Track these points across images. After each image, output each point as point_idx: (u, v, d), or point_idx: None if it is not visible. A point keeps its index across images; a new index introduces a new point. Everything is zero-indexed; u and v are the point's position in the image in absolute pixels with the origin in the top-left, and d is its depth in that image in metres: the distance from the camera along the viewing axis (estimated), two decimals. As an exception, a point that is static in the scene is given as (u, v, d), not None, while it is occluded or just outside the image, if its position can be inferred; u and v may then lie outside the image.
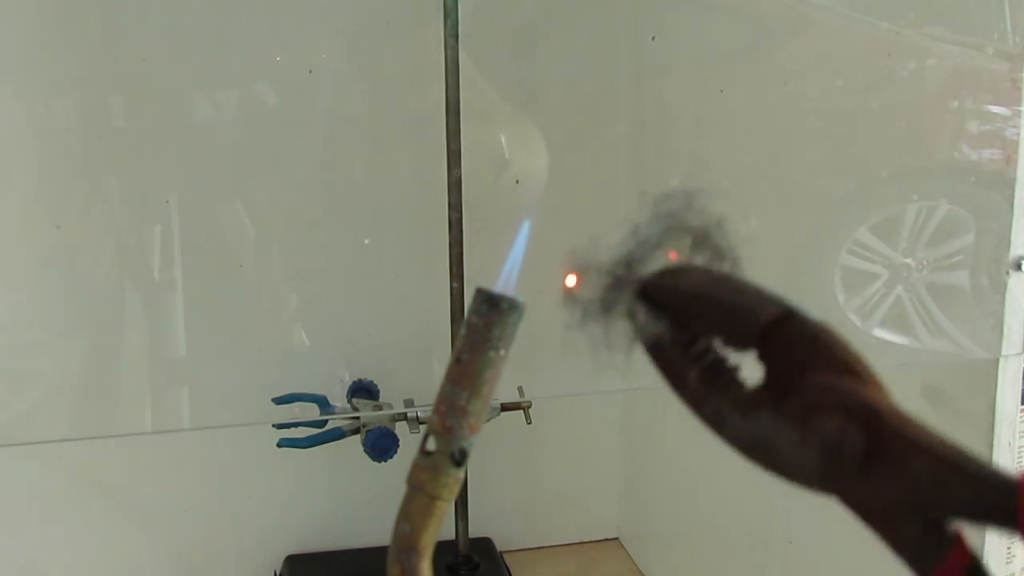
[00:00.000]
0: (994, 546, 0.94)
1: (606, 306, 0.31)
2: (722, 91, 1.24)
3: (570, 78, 1.34)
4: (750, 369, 0.28)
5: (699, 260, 0.30)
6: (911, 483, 0.22)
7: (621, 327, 0.31)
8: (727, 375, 0.27)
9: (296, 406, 1.29)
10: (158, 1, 1.22)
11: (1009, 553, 0.95)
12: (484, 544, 1.53)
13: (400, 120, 1.36)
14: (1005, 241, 1.00)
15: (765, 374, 0.26)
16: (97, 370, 1.28)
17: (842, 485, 0.24)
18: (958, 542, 0.23)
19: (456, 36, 1.19)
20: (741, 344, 0.27)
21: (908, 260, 1.14)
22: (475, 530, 1.46)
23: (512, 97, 1.35)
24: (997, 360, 1.01)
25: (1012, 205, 0.98)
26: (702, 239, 0.30)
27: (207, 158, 1.28)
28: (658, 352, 0.29)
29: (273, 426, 1.30)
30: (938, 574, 0.23)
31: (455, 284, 1.26)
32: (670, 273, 0.30)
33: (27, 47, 1.21)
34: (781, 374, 0.26)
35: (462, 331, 0.39)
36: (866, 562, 1.10)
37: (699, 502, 1.47)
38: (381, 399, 1.34)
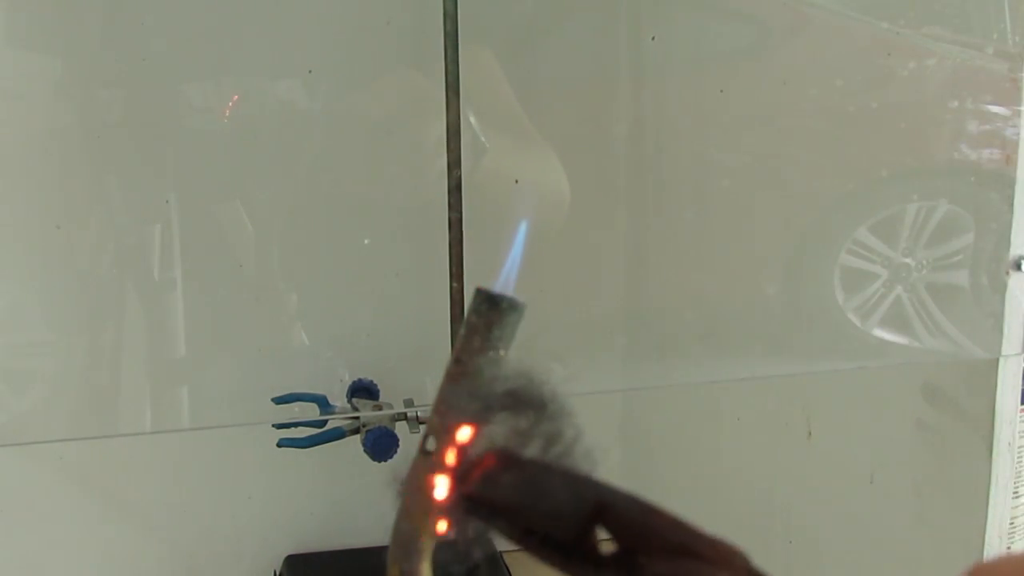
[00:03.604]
0: (994, 545, 0.94)
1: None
2: (722, 91, 1.24)
3: (570, 78, 1.34)
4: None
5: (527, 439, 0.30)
6: None
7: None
8: (581, 553, 0.27)
9: (296, 406, 1.29)
10: (157, 1, 1.22)
11: (1009, 553, 0.95)
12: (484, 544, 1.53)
13: (400, 120, 1.36)
14: (1005, 241, 1.00)
15: (615, 548, 0.27)
16: (97, 370, 1.28)
17: None
18: None
19: (456, 36, 1.19)
20: (574, 538, 0.27)
21: (908, 260, 1.13)
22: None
23: (511, 97, 1.35)
24: (997, 360, 1.01)
25: (1012, 205, 0.98)
26: (530, 418, 0.30)
27: (207, 158, 1.28)
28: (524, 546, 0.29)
29: (273, 426, 1.30)
30: None
31: (455, 284, 1.25)
32: (486, 482, 0.29)
33: (26, 46, 1.21)
34: (625, 550, 0.26)
35: (462, 331, 0.38)
36: (866, 562, 1.10)
37: (699, 503, 1.46)
38: (381, 399, 1.34)
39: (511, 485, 0.27)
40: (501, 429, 0.29)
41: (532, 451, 0.28)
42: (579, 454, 0.29)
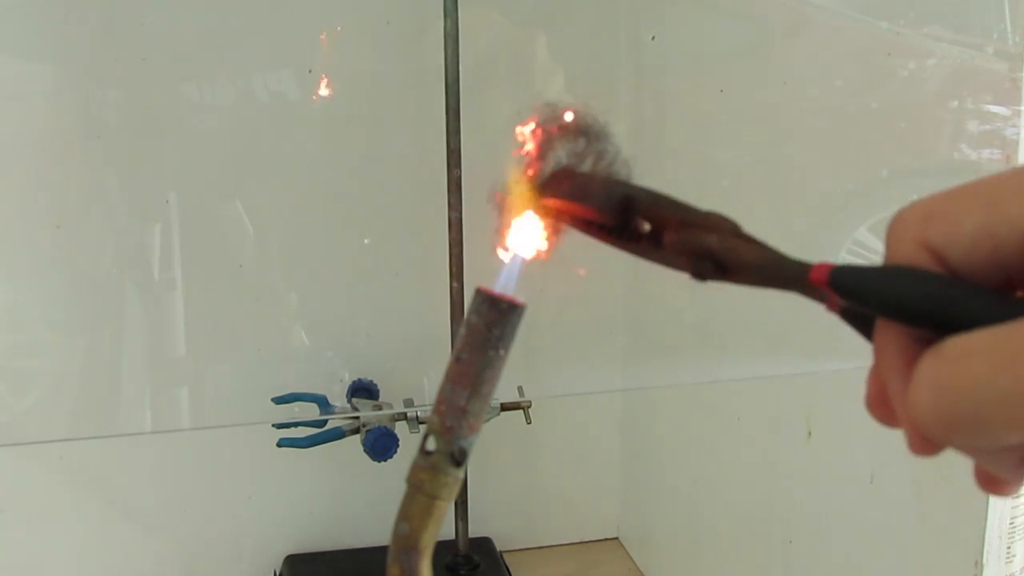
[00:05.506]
0: (994, 545, 0.94)
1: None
2: (722, 91, 1.24)
3: (569, 78, 1.34)
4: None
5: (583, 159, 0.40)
6: (750, 281, 0.34)
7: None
8: (628, 234, 0.38)
9: (296, 406, 1.29)
10: (157, 1, 1.22)
11: (1009, 552, 0.95)
12: (484, 544, 1.53)
13: (400, 120, 1.36)
14: (1005, 241, 1.00)
15: (648, 228, 0.37)
16: (97, 370, 1.28)
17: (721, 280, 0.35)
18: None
19: (456, 36, 1.19)
20: (620, 224, 0.37)
21: (908, 260, 1.13)
22: (475, 530, 1.46)
23: (511, 96, 1.35)
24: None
25: (1012, 205, 0.98)
26: (581, 142, 0.40)
27: (207, 158, 1.28)
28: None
29: (273, 426, 1.30)
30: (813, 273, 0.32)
31: (455, 284, 1.25)
32: (555, 191, 0.39)
33: (26, 46, 1.21)
34: (653, 229, 0.37)
35: (462, 331, 0.39)
36: (866, 562, 1.10)
37: (699, 502, 1.47)
38: (381, 399, 1.34)
39: (569, 191, 0.38)
40: (564, 152, 0.39)
41: (585, 166, 0.39)
42: (618, 164, 0.39)
